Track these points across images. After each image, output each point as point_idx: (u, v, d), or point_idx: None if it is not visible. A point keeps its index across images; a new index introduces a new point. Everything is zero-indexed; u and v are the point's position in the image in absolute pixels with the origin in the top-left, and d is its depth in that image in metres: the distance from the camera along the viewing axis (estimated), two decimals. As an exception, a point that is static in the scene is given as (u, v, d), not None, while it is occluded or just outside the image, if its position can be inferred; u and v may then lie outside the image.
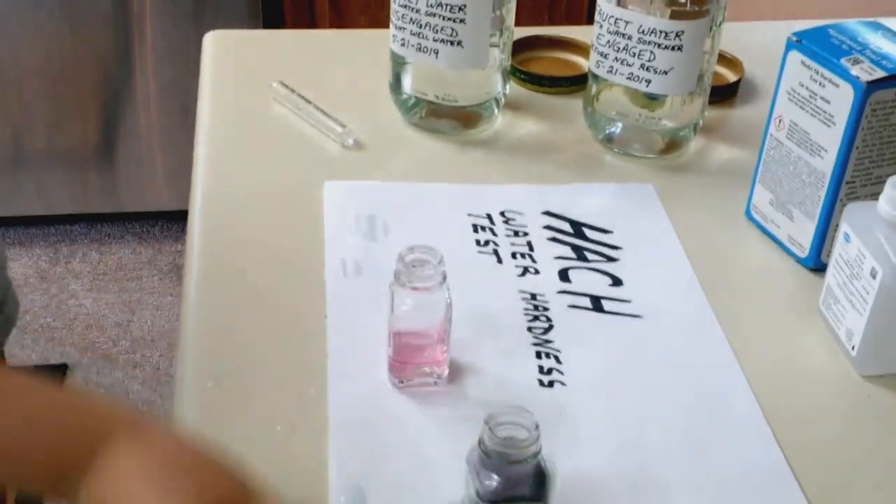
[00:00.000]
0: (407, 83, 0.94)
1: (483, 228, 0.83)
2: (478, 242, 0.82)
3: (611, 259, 0.82)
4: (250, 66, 1.04)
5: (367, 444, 0.64)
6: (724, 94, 1.03)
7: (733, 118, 1.02)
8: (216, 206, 0.85)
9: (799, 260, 0.82)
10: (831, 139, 0.76)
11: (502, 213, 0.85)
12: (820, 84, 0.76)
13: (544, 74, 1.03)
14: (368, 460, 0.63)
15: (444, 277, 0.66)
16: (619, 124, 0.94)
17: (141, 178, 2.02)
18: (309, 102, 0.95)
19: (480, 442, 0.55)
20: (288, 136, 0.94)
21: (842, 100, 0.74)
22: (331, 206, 0.84)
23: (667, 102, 0.91)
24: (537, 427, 0.54)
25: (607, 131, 0.95)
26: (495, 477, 0.55)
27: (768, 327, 0.77)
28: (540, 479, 0.55)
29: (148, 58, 1.87)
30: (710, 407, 0.69)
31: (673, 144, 0.95)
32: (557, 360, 0.72)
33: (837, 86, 0.75)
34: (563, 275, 0.79)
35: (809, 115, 0.78)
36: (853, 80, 0.73)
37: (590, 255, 0.82)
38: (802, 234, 0.81)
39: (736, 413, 0.69)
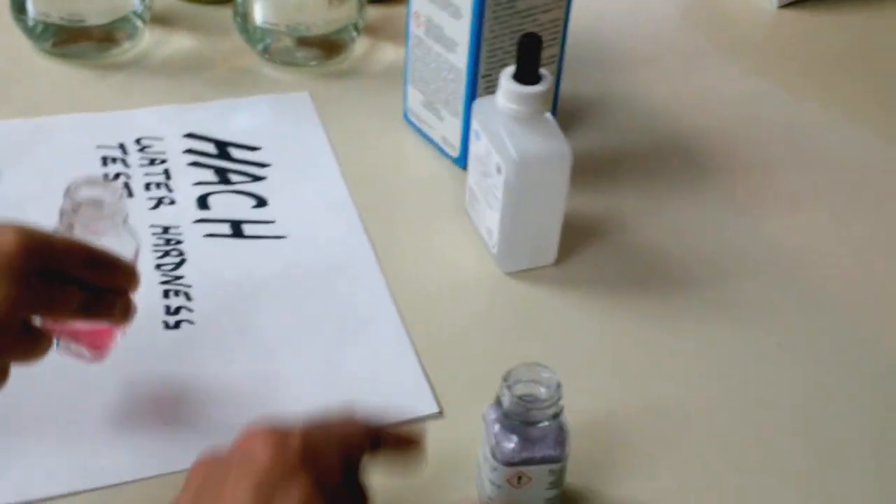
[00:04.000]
0: (30, 5, 0.85)
1: (114, 160, 0.77)
2: (107, 177, 0.75)
3: (257, 178, 0.77)
4: None
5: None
6: (392, -9, 0.99)
7: (402, 16, 0.98)
8: None
9: (454, 160, 0.80)
10: (461, 32, 0.73)
11: (138, 141, 0.79)
12: (443, -25, 0.73)
13: (195, -16, 0.96)
14: None
15: (126, 217, 0.57)
16: (272, 33, 0.88)
17: None
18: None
19: (498, 403, 0.52)
20: None
21: (464, -10, 0.71)
22: (-72, 153, 0.75)
23: (311, 5, 0.86)
24: (559, 386, 0.51)
25: (266, 41, 0.89)
26: (514, 438, 0.52)
27: (421, 234, 0.75)
28: (560, 439, 0.52)
29: None
30: (354, 330, 0.66)
31: (334, 49, 0.90)
32: (188, 296, 0.67)
33: (458, -24, 0.71)
34: (202, 202, 0.74)
35: (439, 9, 0.74)
36: (470, -31, 0.70)
37: (234, 177, 0.77)
38: (452, 134, 0.79)
39: (382, 334, 0.65)
